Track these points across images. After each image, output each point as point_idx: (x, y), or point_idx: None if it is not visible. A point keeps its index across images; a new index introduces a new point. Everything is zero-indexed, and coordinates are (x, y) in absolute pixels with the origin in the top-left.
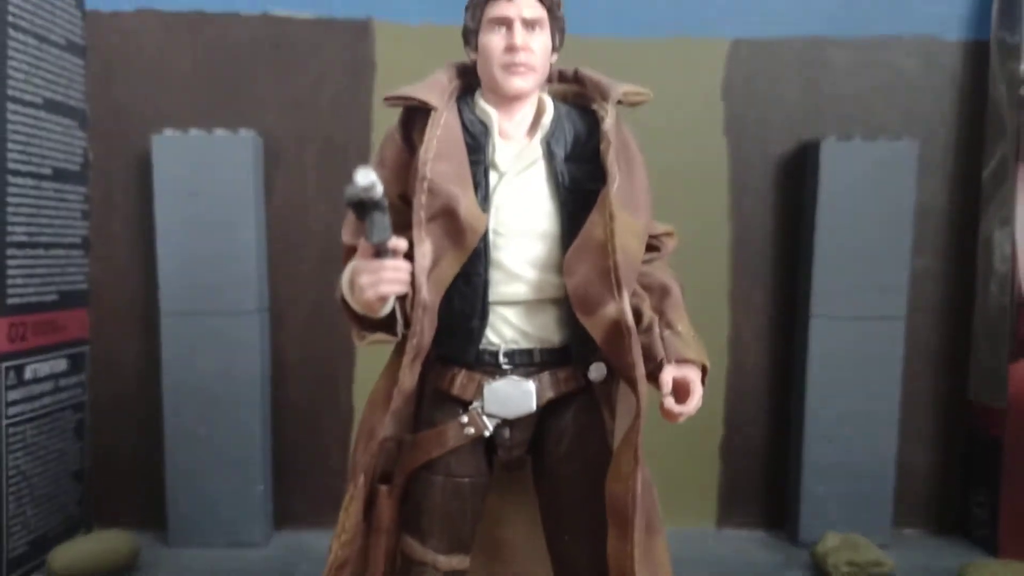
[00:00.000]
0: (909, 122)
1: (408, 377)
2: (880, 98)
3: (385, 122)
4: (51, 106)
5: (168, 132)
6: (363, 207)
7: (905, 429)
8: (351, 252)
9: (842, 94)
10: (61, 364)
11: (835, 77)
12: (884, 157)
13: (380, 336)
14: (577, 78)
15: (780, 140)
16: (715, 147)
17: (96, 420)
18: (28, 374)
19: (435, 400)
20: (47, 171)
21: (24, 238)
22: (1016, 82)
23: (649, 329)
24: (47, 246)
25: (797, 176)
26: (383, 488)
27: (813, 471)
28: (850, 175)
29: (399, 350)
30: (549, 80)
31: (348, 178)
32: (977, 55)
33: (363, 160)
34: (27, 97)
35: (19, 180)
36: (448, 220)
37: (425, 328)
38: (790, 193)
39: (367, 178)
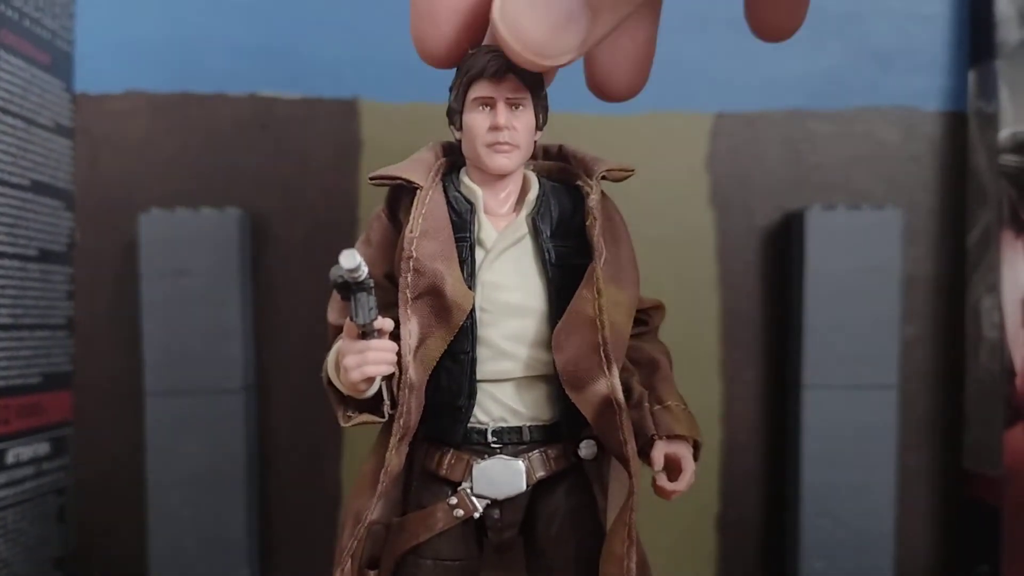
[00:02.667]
0: (892, 191)
1: (395, 459)
2: (862, 168)
3: (371, 200)
4: (38, 188)
5: (155, 211)
6: (348, 288)
7: (902, 500)
8: (337, 332)
9: (825, 165)
10: (44, 447)
11: (818, 148)
12: (869, 225)
13: (366, 417)
14: (561, 155)
15: (765, 210)
16: (702, 218)
17: (79, 504)
18: (10, 458)
19: (423, 481)
20: (33, 252)
21: (8, 320)
22: (995, 150)
23: (639, 404)
24: (31, 327)
25: (783, 245)
26: (371, 574)
27: (811, 545)
28: (836, 244)
29: (386, 431)
30: (534, 157)
31: (335, 256)
32: (956, 125)
33: (350, 237)
34: (14, 180)
35: (4, 262)
36: (434, 298)
37: (412, 408)
38: (777, 262)
39: (352, 260)
